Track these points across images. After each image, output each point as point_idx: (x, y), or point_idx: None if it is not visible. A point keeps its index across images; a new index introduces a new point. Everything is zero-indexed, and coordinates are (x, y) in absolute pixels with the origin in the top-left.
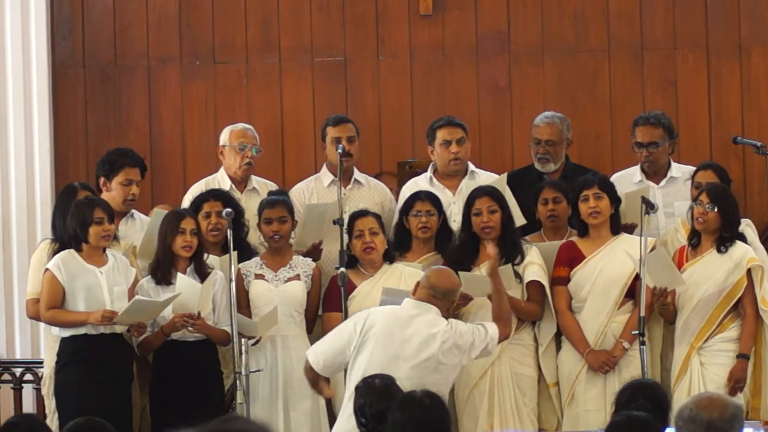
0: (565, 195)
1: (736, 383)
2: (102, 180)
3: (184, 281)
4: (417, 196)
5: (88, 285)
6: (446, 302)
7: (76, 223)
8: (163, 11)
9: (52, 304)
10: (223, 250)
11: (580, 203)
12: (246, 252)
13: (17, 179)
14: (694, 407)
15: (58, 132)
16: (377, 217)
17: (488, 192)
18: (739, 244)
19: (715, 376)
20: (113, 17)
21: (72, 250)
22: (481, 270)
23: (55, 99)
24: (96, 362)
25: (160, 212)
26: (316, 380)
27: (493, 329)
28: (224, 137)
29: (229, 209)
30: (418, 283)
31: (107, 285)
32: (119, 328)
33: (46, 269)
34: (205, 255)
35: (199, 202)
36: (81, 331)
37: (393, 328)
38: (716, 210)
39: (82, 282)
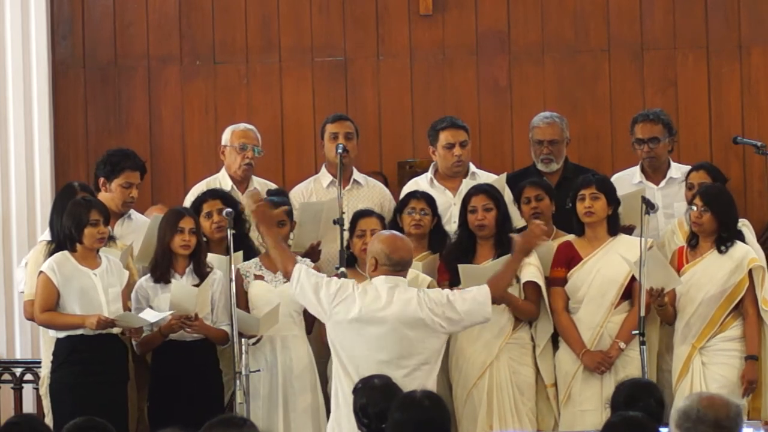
0: (547, 192)
1: (749, 384)
2: (102, 180)
3: (179, 286)
4: (413, 195)
5: (83, 287)
6: (406, 272)
7: (71, 223)
8: (163, 11)
9: (46, 306)
10: (228, 249)
11: (578, 202)
12: (251, 251)
13: (17, 179)
14: (700, 408)
15: (58, 132)
16: (381, 218)
17: (485, 190)
18: (739, 244)
19: (718, 375)
20: (113, 17)
21: (66, 252)
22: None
23: (55, 99)
24: (91, 363)
25: (158, 216)
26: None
27: (484, 288)
28: (226, 137)
29: (229, 209)
30: (375, 260)
31: (102, 287)
32: (115, 329)
33: (41, 272)
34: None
35: (198, 203)
36: (78, 331)
37: (371, 308)
38: (710, 213)
39: (77, 284)
